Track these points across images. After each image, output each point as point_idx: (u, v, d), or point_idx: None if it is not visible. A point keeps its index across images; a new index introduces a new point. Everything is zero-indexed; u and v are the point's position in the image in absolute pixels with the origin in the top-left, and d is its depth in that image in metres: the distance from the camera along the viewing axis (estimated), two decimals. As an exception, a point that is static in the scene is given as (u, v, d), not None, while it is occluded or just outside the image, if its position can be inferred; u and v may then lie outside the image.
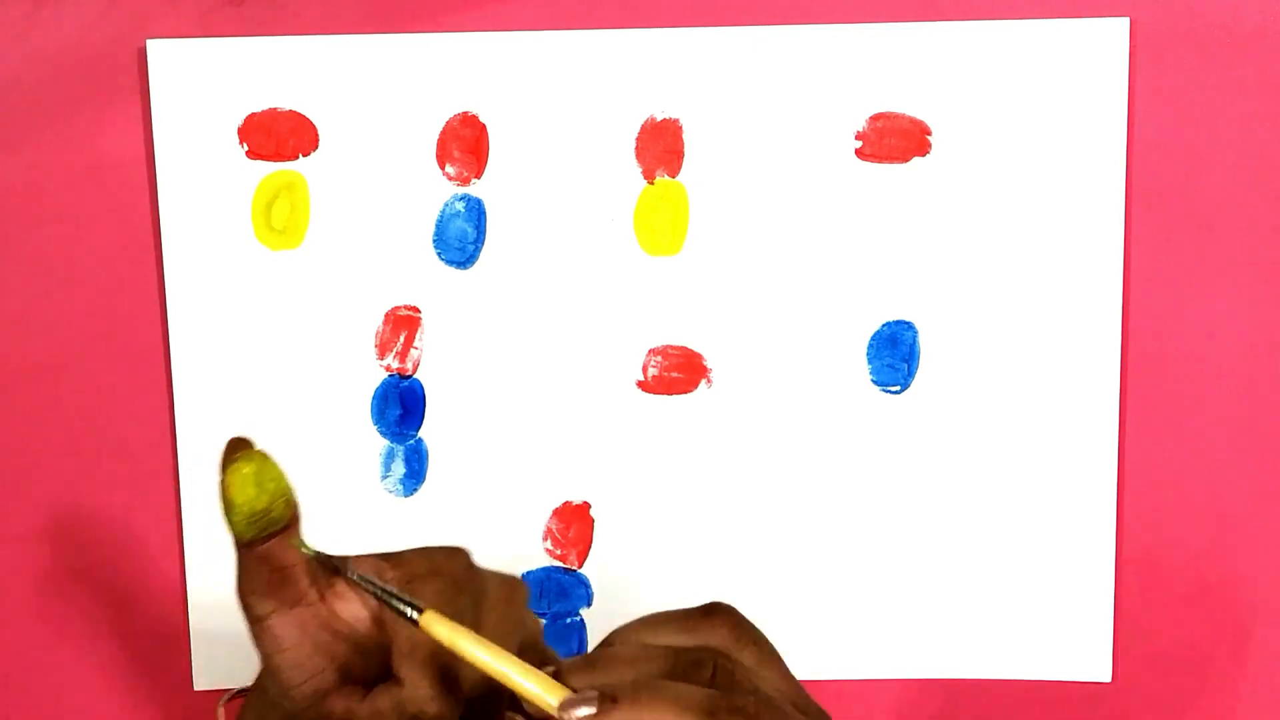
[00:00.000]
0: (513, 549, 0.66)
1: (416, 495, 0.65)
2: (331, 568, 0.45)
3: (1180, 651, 0.66)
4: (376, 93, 0.63)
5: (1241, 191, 0.63)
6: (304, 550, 0.45)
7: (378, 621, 0.46)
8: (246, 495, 0.45)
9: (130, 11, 0.62)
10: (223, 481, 0.45)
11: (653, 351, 0.65)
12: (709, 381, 0.65)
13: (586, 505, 0.66)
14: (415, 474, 0.65)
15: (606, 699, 0.40)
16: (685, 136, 0.63)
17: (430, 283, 0.64)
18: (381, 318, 0.64)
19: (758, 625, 0.44)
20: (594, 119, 0.63)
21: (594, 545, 0.66)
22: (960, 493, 0.65)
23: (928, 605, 0.66)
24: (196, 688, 0.66)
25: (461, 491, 0.65)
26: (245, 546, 0.46)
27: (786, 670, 0.44)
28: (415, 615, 0.43)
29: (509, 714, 0.48)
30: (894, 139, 0.63)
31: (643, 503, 0.65)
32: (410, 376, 0.65)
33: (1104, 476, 0.64)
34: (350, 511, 0.65)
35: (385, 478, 0.65)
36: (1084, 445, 0.64)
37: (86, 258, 0.64)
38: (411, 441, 0.65)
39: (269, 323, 0.64)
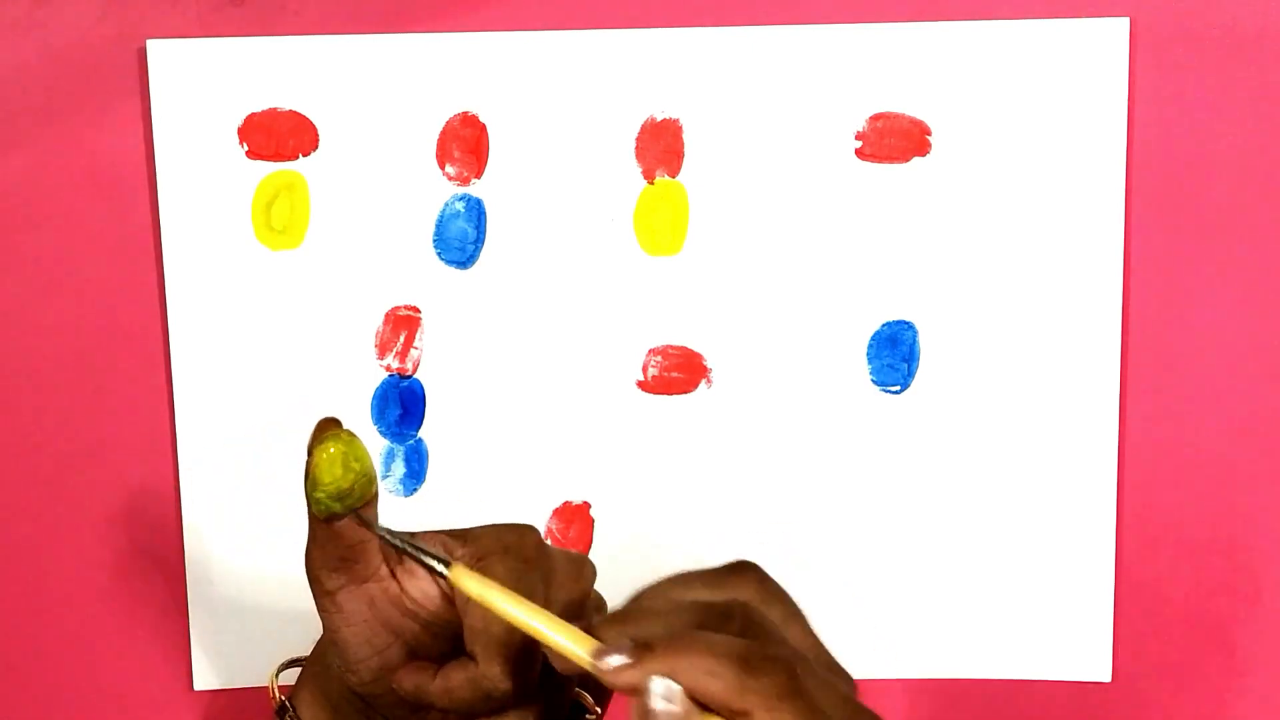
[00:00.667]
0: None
1: (416, 495, 0.65)
2: (362, 523, 0.46)
3: (1180, 652, 0.66)
4: (377, 93, 0.63)
5: (1241, 191, 0.63)
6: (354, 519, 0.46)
7: (448, 599, 0.46)
8: (334, 475, 0.45)
9: (130, 11, 0.62)
10: (310, 460, 0.45)
11: (653, 351, 0.65)
12: (709, 381, 0.65)
13: (586, 505, 0.66)
14: (415, 474, 0.65)
15: (641, 648, 0.39)
16: (685, 136, 0.63)
17: (430, 283, 0.64)
18: (381, 318, 0.64)
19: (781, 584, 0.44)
20: (594, 119, 0.63)
21: (594, 545, 0.66)
22: (960, 492, 0.65)
23: (927, 605, 0.66)
24: (196, 688, 0.66)
25: (461, 491, 0.65)
26: (321, 522, 0.46)
27: (810, 628, 0.44)
28: (444, 569, 0.43)
29: (578, 691, 0.48)
30: (894, 139, 0.63)
31: (643, 503, 0.65)
32: (410, 376, 0.65)
33: (1104, 476, 0.64)
34: (350, 511, 0.65)
35: (385, 477, 0.65)
36: (1084, 445, 0.64)
37: (86, 258, 0.64)
38: (411, 441, 0.65)
39: (269, 322, 0.64)
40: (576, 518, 0.66)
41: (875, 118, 0.63)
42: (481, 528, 0.47)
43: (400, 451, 0.65)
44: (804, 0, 0.62)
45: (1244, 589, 0.66)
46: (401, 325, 0.64)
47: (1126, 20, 0.62)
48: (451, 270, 0.64)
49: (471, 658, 0.45)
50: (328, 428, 0.47)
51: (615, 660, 0.39)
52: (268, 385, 0.65)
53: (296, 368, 0.65)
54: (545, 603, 0.45)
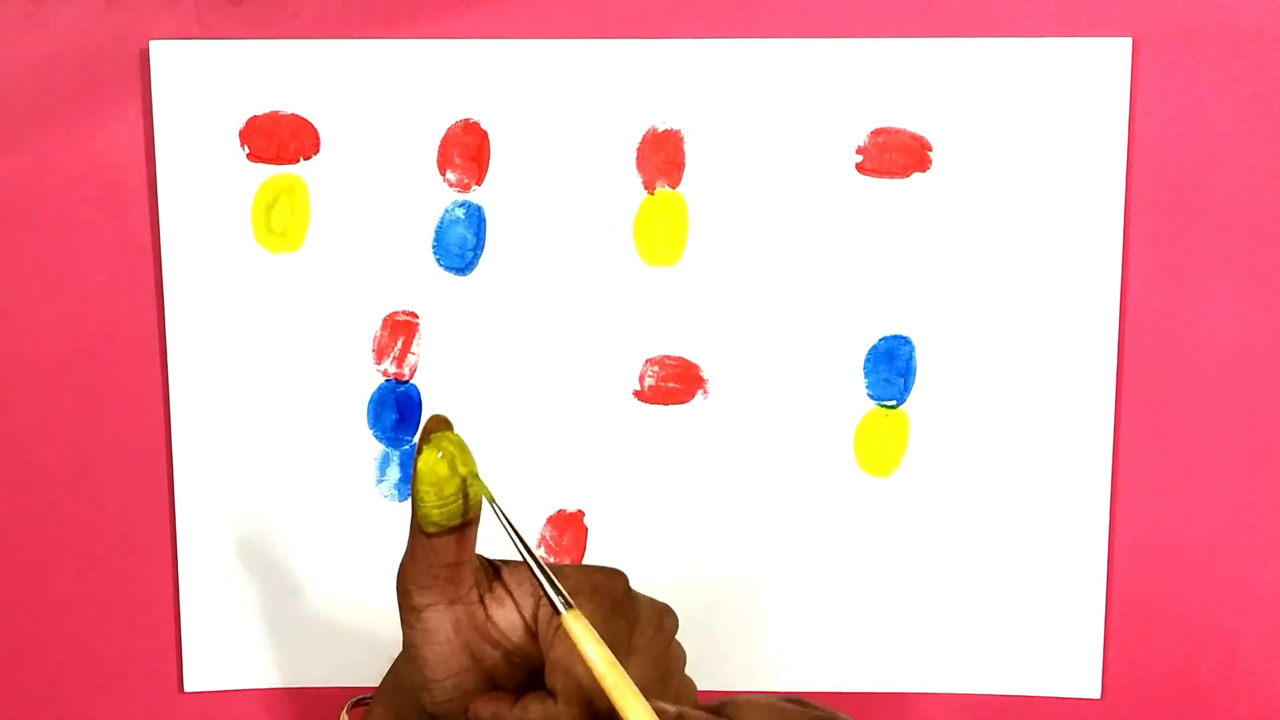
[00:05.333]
0: (506, 555, 0.66)
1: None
2: (504, 522, 0.46)
3: (1169, 669, 0.66)
4: (378, 97, 0.63)
5: (1240, 213, 0.63)
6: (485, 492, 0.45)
7: (531, 633, 0.47)
8: (438, 476, 0.45)
9: (132, 12, 0.62)
10: (416, 467, 0.45)
11: (650, 361, 0.65)
12: (705, 392, 0.65)
13: (580, 513, 0.66)
14: (410, 480, 0.65)
15: None
16: (686, 147, 0.63)
17: (429, 289, 0.64)
18: (379, 322, 0.64)
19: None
20: (595, 128, 0.63)
21: (587, 553, 0.66)
22: (954, 508, 0.65)
23: (919, 617, 0.66)
24: (187, 689, 0.66)
25: (456, 497, 0.65)
26: (425, 536, 0.46)
27: None
28: (562, 608, 0.44)
29: None
30: (894, 154, 0.63)
31: (637, 512, 0.65)
32: (407, 382, 0.65)
33: (1098, 493, 0.65)
34: (345, 516, 0.65)
35: (380, 482, 0.65)
36: (1078, 462, 0.64)
37: (86, 258, 0.64)
38: (407, 447, 0.65)
39: (267, 325, 0.64)
40: (570, 526, 0.66)
41: (876, 132, 0.63)
42: (571, 566, 0.48)
43: (395, 457, 0.65)
44: (807, 14, 0.62)
45: (1236, 607, 0.66)
46: (399, 330, 0.64)
47: (1129, 40, 0.62)
48: (450, 276, 0.64)
49: (551, 694, 0.45)
50: (436, 427, 0.46)
51: None
52: (264, 388, 0.65)
53: (293, 371, 0.64)
54: (627, 646, 0.45)
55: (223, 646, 0.66)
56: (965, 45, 0.62)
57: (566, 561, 0.66)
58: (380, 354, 0.65)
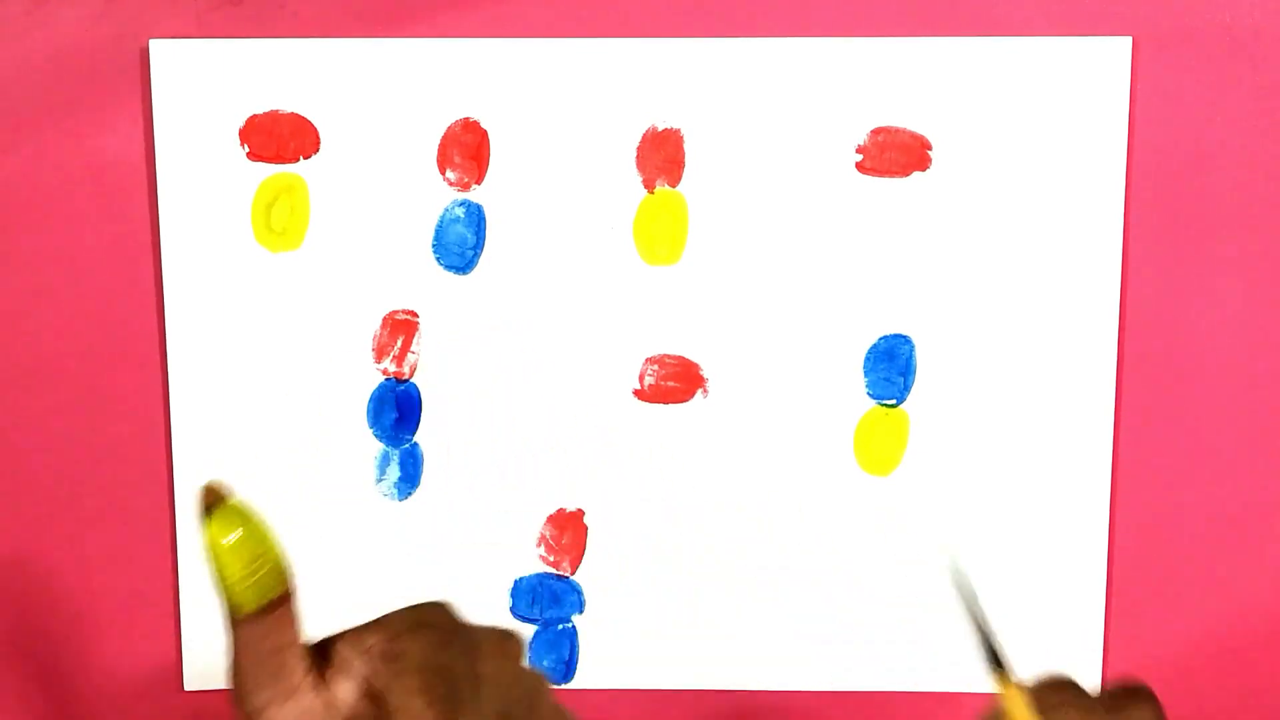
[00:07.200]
0: (506, 555, 0.66)
1: (411, 500, 0.65)
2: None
3: (1170, 667, 0.66)
4: (379, 96, 0.63)
5: (1240, 213, 0.63)
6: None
7: (373, 698, 0.42)
8: (236, 549, 0.40)
9: (132, 12, 0.62)
10: (210, 550, 0.40)
11: (650, 360, 0.65)
12: (705, 391, 0.65)
13: (580, 512, 0.66)
14: (410, 478, 0.65)
15: None
16: (686, 146, 0.63)
17: (429, 288, 0.64)
18: (379, 321, 0.64)
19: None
20: (596, 127, 0.63)
21: (587, 552, 0.66)
22: (955, 505, 0.65)
23: (918, 616, 0.66)
24: (187, 688, 0.66)
25: (456, 497, 0.65)
26: (242, 621, 0.42)
27: None
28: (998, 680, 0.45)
29: None
30: (894, 153, 0.63)
31: (637, 511, 0.65)
32: (407, 381, 0.65)
33: (1098, 491, 0.65)
34: (344, 515, 0.65)
35: (380, 481, 0.65)
36: (1079, 460, 0.64)
37: (86, 258, 0.64)
38: (407, 446, 0.65)
39: (267, 324, 0.64)
40: (570, 525, 0.66)
41: (876, 131, 0.63)
42: (393, 611, 0.43)
43: (395, 455, 0.65)
44: (807, 13, 0.62)
45: (1236, 605, 0.66)
46: (399, 329, 0.64)
47: (1129, 39, 0.62)
48: (450, 275, 0.64)
49: None
50: (214, 500, 0.41)
51: None
52: (264, 387, 0.65)
53: (293, 370, 0.65)
54: (472, 675, 0.42)
55: (223, 646, 0.66)
56: (965, 45, 0.62)
57: (565, 561, 0.66)
58: (380, 353, 0.65)
